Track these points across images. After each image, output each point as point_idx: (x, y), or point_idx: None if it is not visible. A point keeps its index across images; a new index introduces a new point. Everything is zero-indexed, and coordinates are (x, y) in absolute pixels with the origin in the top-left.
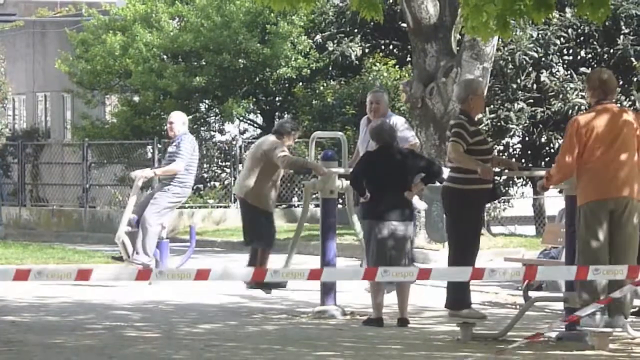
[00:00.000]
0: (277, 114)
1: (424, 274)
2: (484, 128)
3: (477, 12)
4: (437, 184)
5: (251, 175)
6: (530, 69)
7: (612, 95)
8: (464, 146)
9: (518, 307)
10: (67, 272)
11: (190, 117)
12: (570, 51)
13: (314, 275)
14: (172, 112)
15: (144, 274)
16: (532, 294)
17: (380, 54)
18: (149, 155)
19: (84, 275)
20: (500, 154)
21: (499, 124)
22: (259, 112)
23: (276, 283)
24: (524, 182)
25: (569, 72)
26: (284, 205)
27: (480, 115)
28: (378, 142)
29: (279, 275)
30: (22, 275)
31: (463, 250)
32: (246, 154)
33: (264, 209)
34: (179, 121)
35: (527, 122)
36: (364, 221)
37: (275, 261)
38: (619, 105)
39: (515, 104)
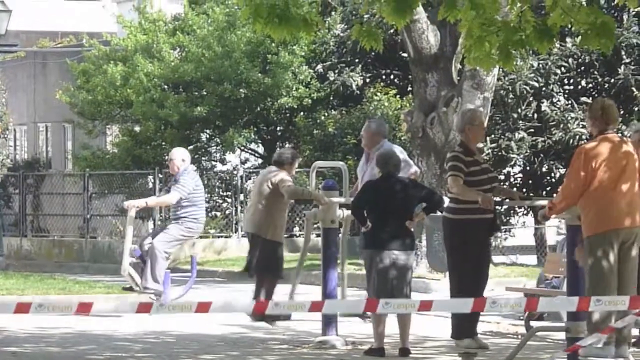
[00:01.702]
0: (278, 143)
1: (426, 306)
2: (485, 157)
3: (479, 43)
4: (438, 213)
5: (259, 208)
6: (531, 99)
7: (614, 125)
8: (463, 178)
9: (520, 336)
10: (68, 304)
11: (192, 147)
12: (571, 81)
13: (315, 307)
14: (172, 149)
15: (144, 307)
16: (534, 323)
17: (381, 83)
18: (150, 185)
19: (84, 308)
20: (501, 183)
21: (499, 153)
22: (260, 141)
23: (280, 315)
24: (525, 212)
25: (569, 101)
26: (285, 235)
27: (480, 145)
28: (382, 169)
29: (281, 308)
30: (23, 308)
31: (462, 281)
32: (247, 184)
33: (275, 240)
34: (178, 158)
35: (528, 151)
36: (364, 251)
37: (279, 291)
38: (619, 135)
39: (516, 134)
